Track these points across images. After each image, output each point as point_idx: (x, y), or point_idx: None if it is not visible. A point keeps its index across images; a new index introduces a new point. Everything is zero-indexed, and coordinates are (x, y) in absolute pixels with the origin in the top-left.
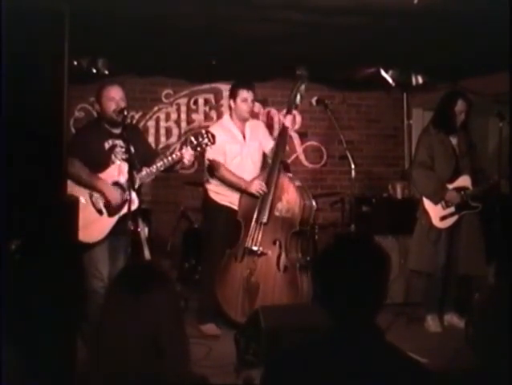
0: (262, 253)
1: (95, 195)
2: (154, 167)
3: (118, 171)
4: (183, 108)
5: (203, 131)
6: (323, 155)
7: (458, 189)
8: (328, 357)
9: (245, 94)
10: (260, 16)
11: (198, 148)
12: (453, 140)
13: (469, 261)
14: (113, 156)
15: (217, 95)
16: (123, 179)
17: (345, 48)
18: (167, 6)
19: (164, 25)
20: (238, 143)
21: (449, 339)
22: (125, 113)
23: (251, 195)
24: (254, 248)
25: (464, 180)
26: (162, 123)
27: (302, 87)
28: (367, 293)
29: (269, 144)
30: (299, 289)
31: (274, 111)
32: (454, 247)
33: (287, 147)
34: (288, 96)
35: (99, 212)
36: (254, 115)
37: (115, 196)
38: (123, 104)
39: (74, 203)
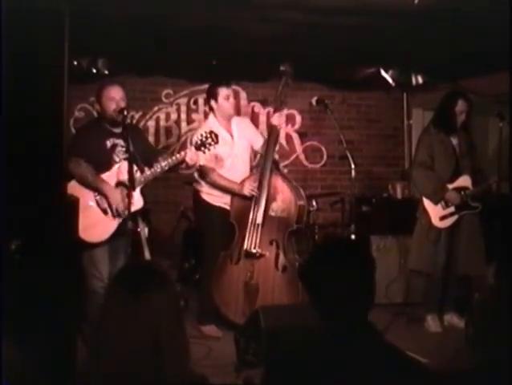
0: (261, 255)
1: (100, 194)
2: (158, 166)
3: (122, 171)
4: (183, 108)
5: (207, 131)
6: (323, 155)
7: (458, 189)
8: (328, 357)
9: (225, 91)
10: (260, 16)
11: (202, 148)
12: (454, 140)
13: (469, 261)
14: (115, 156)
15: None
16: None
17: (345, 48)
18: (167, 6)
19: (164, 25)
20: (227, 144)
21: (449, 339)
22: (125, 113)
23: (244, 196)
24: (253, 250)
25: (464, 180)
26: (162, 123)
27: (288, 83)
28: (357, 293)
29: (258, 141)
30: (299, 288)
31: (283, 112)
32: (454, 247)
33: (287, 147)
34: (275, 95)
35: (104, 211)
36: (254, 115)
37: (118, 199)
38: (123, 104)
39: (74, 203)
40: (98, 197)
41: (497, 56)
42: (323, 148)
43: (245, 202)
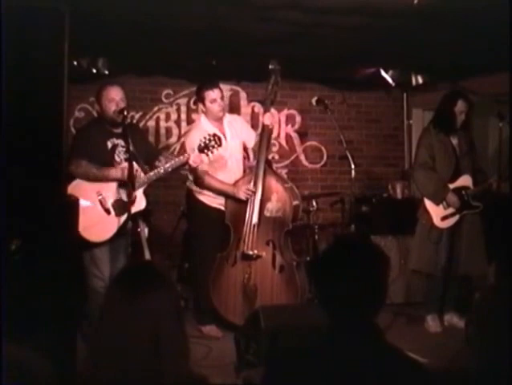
0: (258, 256)
1: (104, 195)
2: (162, 168)
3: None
4: (183, 108)
5: (210, 134)
6: (323, 155)
7: (459, 189)
8: (328, 357)
9: (211, 94)
10: (260, 16)
11: (205, 151)
12: (453, 140)
13: (470, 261)
14: (115, 156)
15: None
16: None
17: (345, 48)
18: (167, 6)
19: (164, 25)
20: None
21: (449, 339)
22: (125, 113)
23: (238, 198)
24: (250, 252)
25: (464, 180)
26: (162, 123)
27: (277, 81)
28: (367, 294)
29: (251, 138)
30: (298, 287)
31: (273, 111)
32: (455, 247)
33: (287, 147)
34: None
35: (107, 211)
36: (254, 115)
37: (126, 174)
38: (123, 104)
39: (74, 203)
40: (101, 197)
41: (497, 56)
42: (323, 148)
43: (240, 203)
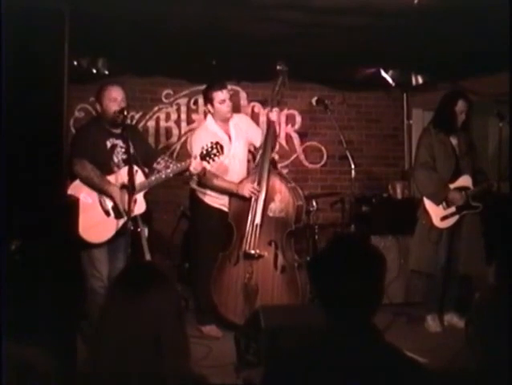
0: (260, 256)
1: (104, 196)
2: (163, 173)
3: (125, 173)
4: (183, 108)
5: (213, 142)
6: (323, 155)
7: (459, 189)
8: (328, 357)
9: (220, 95)
10: (260, 16)
11: (207, 158)
12: (453, 140)
13: (470, 261)
14: (114, 156)
15: None
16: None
17: (345, 48)
18: (167, 6)
19: (164, 25)
20: (225, 145)
21: (449, 339)
22: (125, 113)
23: (242, 197)
24: (252, 251)
25: (464, 180)
26: (162, 124)
27: (284, 81)
28: (364, 294)
29: (258, 137)
30: (299, 288)
31: (275, 110)
32: (455, 247)
33: (287, 147)
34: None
35: (107, 213)
36: (254, 115)
37: (124, 200)
38: (123, 105)
39: (74, 203)
40: (101, 198)
41: (497, 56)
42: (323, 148)
43: (244, 203)
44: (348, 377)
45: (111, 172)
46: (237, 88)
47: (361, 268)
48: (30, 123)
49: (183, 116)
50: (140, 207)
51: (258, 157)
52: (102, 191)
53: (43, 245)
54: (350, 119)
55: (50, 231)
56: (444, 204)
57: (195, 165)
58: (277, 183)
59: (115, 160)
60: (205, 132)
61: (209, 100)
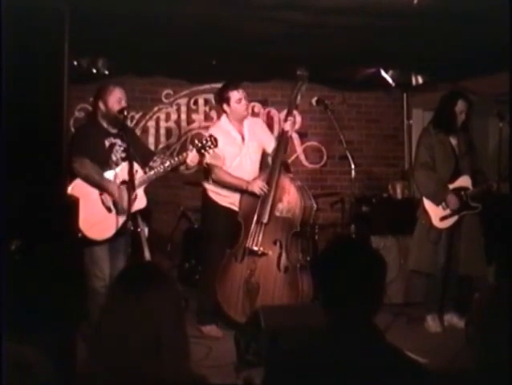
0: (263, 254)
1: (105, 193)
2: (162, 167)
3: (124, 170)
4: (183, 108)
5: (207, 135)
6: (323, 155)
7: (458, 189)
8: (328, 357)
9: (236, 95)
10: (260, 16)
11: (202, 151)
12: (453, 141)
13: (470, 261)
14: (112, 155)
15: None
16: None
17: (345, 48)
18: (167, 6)
19: (164, 25)
20: (237, 145)
21: (449, 339)
22: (125, 113)
23: (252, 195)
24: (255, 248)
25: (464, 181)
26: (162, 124)
27: (303, 87)
28: (365, 294)
29: (271, 143)
30: (300, 289)
31: (274, 111)
32: (454, 247)
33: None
34: (289, 97)
35: (108, 209)
36: (254, 115)
37: (124, 197)
38: (124, 105)
39: (74, 203)
40: (102, 195)
41: (497, 56)
42: (323, 148)
43: (254, 201)
44: (349, 377)
45: (109, 169)
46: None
47: (362, 269)
48: (30, 123)
49: (183, 116)
50: (140, 202)
51: (270, 160)
52: (101, 188)
53: (43, 245)
54: (350, 119)
55: (50, 231)
56: (443, 204)
57: (192, 158)
58: (286, 184)
59: (114, 158)
60: (219, 131)
61: (225, 100)
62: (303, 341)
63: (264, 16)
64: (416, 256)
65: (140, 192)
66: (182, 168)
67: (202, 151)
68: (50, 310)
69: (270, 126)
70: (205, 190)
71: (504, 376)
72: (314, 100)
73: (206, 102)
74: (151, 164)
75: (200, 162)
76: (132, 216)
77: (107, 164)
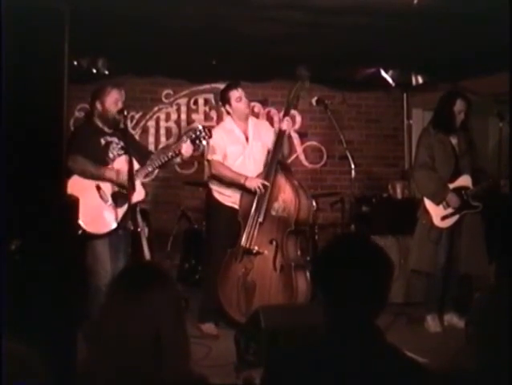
0: (258, 253)
1: (103, 187)
2: (158, 159)
3: (121, 164)
4: (183, 108)
5: (201, 126)
6: (323, 155)
7: (459, 189)
8: (328, 357)
9: (236, 93)
10: (260, 16)
11: (197, 142)
12: (453, 140)
13: (470, 261)
14: (109, 152)
15: (217, 95)
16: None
17: (345, 48)
18: (167, 6)
19: (164, 25)
20: (241, 144)
21: (449, 339)
22: (125, 113)
23: (251, 194)
24: (250, 247)
25: (464, 180)
26: (162, 124)
27: (303, 86)
28: (367, 293)
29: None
30: (294, 289)
31: (274, 111)
32: (455, 247)
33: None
34: (286, 96)
35: (107, 202)
36: (254, 115)
37: (122, 176)
38: (121, 106)
39: (74, 203)
40: (101, 190)
41: (497, 56)
42: (323, 148)
43: (252, 200)
44: (349, 377)
45: (107, 165)
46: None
47: (365, 268)
48: (30, 123)
49: (183, 116)
50: (139, 194)
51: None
52: (99, 177)
53: (43, 244)
54: (350, 119)
55: (51, 231)
56: (444, 203)
57: (186, 148)
58: (282, 182)
59: (111, 155)
60: (222, 131)
61: (226, 101)
62: (303, 341)
63: (264, 16)
64: (416, 255)
65: (137, 184)
66: (178, 160)
67: (197, 142)
68: (50, 310)
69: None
70: (209, 190)
71: (504, 376)
72: (314, 100)
73: (206, 102)
74: (148, 162)
75: (194, 153)
76: (132, 215)
77: (104, 160)
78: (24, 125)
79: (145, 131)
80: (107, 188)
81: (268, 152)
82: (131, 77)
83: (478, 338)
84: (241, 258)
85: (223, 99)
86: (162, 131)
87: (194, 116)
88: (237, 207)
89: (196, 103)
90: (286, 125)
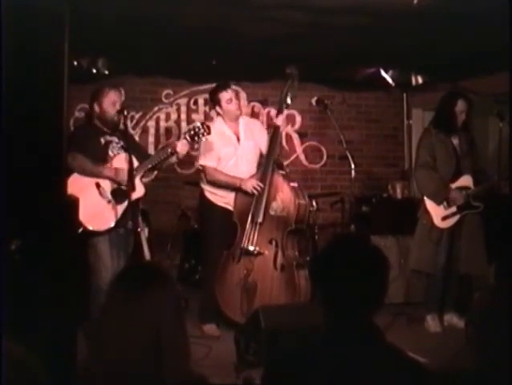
0: (259, 253)
1: (102, 185)
2: (156, 157)
3: (120, 161)
4: (183, 108)
5: (199, 123)
6: (323, 155)
7: (460, 189)
8: (328, 357)
9: (226, 95)
10: (260, 16)
11: (195, 138)
12: (454, 140)
13: (471, 261)
14: (109, 151)
15: None
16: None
17: (345, 48)
18: (167, 6)
19: (164, 25)
20: (232, 145)
21: (449, 339)
22: (125, 113)
23: (246, 194)
24: (251, 248)
25: (465, 180)
26: (162, 123)
27: (293, 85)
28: (365, 294)
29: (266, 143)
30: (297, 287)
31: (274, 111)
32: (455, 247)
33: (287, 147)
34: (279, 96)
35: (108, 201)
36: (254, 115)
37: (121, 175)
38: (119, 107)
39: (74, 203)
40: (100, 188)
41: (497, 56)
42: (323, 148)
43: (248, 201)
44: (349, 377)
45: (106, 163)
46: (237, 88)
47: (363, 267)
48: (30, 123)
49: (183, 116)
50: (138, 191)
51: (264, 159)
52: (98, 175)
53: (43, 244)
54: (350, 119)
55: (51, 231)
56: (445, 203)
57: (181, 146)
58: (279, 182)
59: (111, 154)
60: (214, 133)
61: (216, 102)
62: (303, 341)
63: (264, 16)
64: (416, 256)
65: (136, 181)
66: (174, 159)
67: (196, 138)
68: (50, 310)
69: (270, 126)
70: (201, 190)
71: (504, 376)
72: (314, 100)
73: (206, 102)
74: (147, 161)
75: (190, 152)
76: (133, 214)
77: (104, 159)
78: (24, 125)
79: (145, 131)
80: (106, 185)
81: (260, 152)
82: (131, 77)
83: (478, 338)
84: (238, 259)
85: (213, 100)
86: (162, 131)
87: (194, 116)
88: (230, 207)
89: (196, 103)
90: (280, 121)
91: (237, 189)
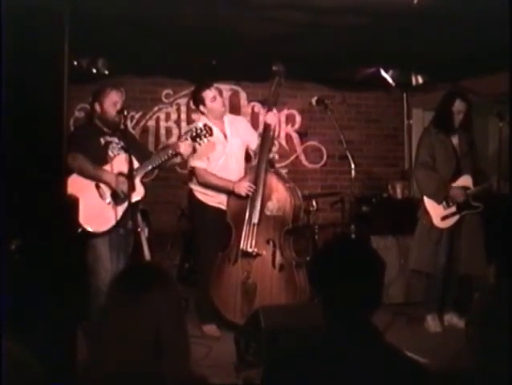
0: (258, 254)
1: (102, 186)
2: (157, 158)
3: (120, 162)
4: (183, 108)
5: (201, 124)
6: (323, 155)
7: (460, 189)
8: (328, 357)
9: (210, 93)
10: (260, 16)
11: (198, 139)
12: (454, 140)
13: (470, 261)
14: (109, 151)
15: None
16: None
17: (345, 48)
18: (167, 6)
19: (164, 25)
20: (220, 143)
21: (449, 339)
22: (125, 113)
23: (239, 196)
24: (249, 249)
25: (465, 180)
26: (162, 123)
27: (280, 82)
28: (363, 293)
29: (255, 140)
30: (297, 286)
31: (274, 111)
32: (455, 247)
33: (287, 147)
34: (268, 94)
35: (107, 202)
36: (254, 115)
37: (120, 184)
38: (119, 107)
39: (74, 203)
40: (100, 189)
41: (497, 56)
42: (323, 148)
43: (242, 202)
44: (348, 377)
45: (106, 164)
46: (237, 88)
47: (359, 268)
48: (30, 123)
49: (183, 116)
50: (138, 192)
51: (254, 158)
52: (97, 178)
53: (43, 244)
54: (350, 119)
55: (51, 231)
56: (444, 203)
57: (185, 147)
58: (274, 182)
59: (111, 154)
60: None
61: (200, 101)
62: (303, 341)
63: (264, 16)
64: (416, 255)
65: (136, 182)
66: (177, 160)
67: (197, 139)
68: (50, 309)
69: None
70: (191, 191)
71: (504, 376)
72: (314, 100)
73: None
74: (148, 161)
75: (194, 151)
76: (132, 214)
77: (104, 159)
78: (24, 125)
79: (145, 131)
80: (106, 186)
81: (247, 150)
82: (131, 77)
83: (478, 338)
84: (235, 261)
85: (196, 100)
86: (162, 131)
87: (194, 116)
88: (223, 207)
89: (196, 106)
90: (270, 118)
91: (229, 192)
